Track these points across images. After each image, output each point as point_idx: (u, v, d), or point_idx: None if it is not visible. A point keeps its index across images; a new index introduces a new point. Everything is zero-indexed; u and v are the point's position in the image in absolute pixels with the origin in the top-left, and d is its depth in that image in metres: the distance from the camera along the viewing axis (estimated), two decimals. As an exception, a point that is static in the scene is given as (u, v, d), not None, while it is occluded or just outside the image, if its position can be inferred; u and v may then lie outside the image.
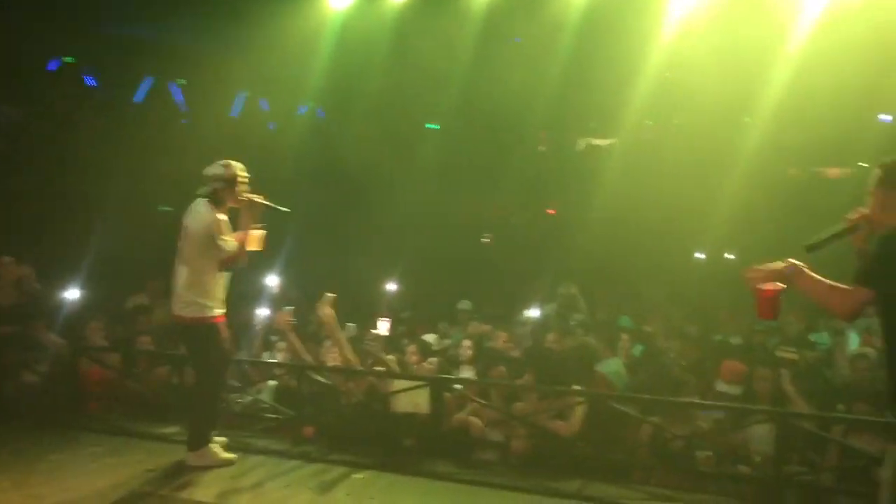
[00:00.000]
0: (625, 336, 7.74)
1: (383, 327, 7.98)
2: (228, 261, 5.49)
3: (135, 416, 7.06)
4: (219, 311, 5.57)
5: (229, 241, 5.48)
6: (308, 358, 7.06)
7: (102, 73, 13.46)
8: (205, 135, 11.82)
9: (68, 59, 13.28)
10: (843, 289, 3.13)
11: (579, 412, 5.90)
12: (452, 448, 6.21)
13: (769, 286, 3.29)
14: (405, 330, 9.15)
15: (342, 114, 15.35)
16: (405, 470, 5.83)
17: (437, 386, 6.29)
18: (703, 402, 6.09)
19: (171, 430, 6.64)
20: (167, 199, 12.91)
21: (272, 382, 7.17)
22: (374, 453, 6.15)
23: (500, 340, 8.03)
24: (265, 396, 7.09)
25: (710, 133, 14.13)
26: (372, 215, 14.69)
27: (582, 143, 19.03)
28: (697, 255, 16.61)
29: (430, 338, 8.55)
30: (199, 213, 5.47)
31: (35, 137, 11.31)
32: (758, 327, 8.63)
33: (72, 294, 8.17)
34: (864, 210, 3.31)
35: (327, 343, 7.18)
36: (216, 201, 5.50)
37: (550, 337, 7.36)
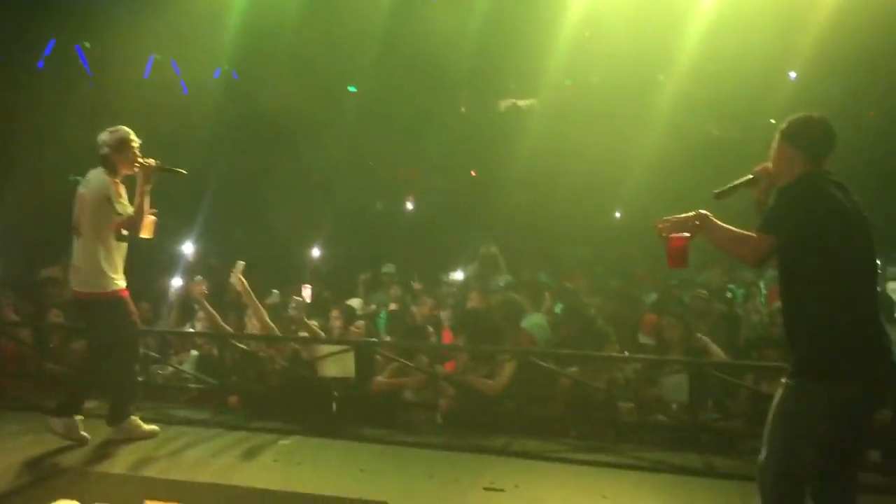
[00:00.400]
0: (547, 293, 7.84)
1: (306, 294, 7.92)
2: (125, 225, 5.27)
3: (51, 393, 6.85)
4: (121, 284, 5.34)
5: (125, 204, 5.30)
6: (226, 326, 6.94)
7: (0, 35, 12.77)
8: (114, 100, 11.39)
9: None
10: (751, 236, 3.25)
11: (507, 370, 5.97)
12: (380, 411, 6.23)
13: (678, 235, 3.40)
14: (330, 295, 9.09)
15: (257, 76, 15.01)
16: (333, 434, 5.83)
17: (363, 350, 6.28)
18: (621, 354, 6.24)
19: (89, 405, 6.47)
20: (78, 169, 12.43)
21: (194, 352, 7.05)
22: (301, 419, 6.12)
23: (426, 307, 8.02)
24: (187, 367, 6.98)
25: (627, 91, 14.34)
26: (293, 180, 14.48)
27: (503, 105, 19.10)
28: (616, 214, 16.94)
29: (354, 302, 8.52)
30: (92, 180, 5.31)
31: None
32: (672, 282, 8.88)
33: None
34: (767, 164, 3.47)
35: (249, 311, 7.08)
36: (109, 168, 5.30)
37: (472, 296, 7.41)
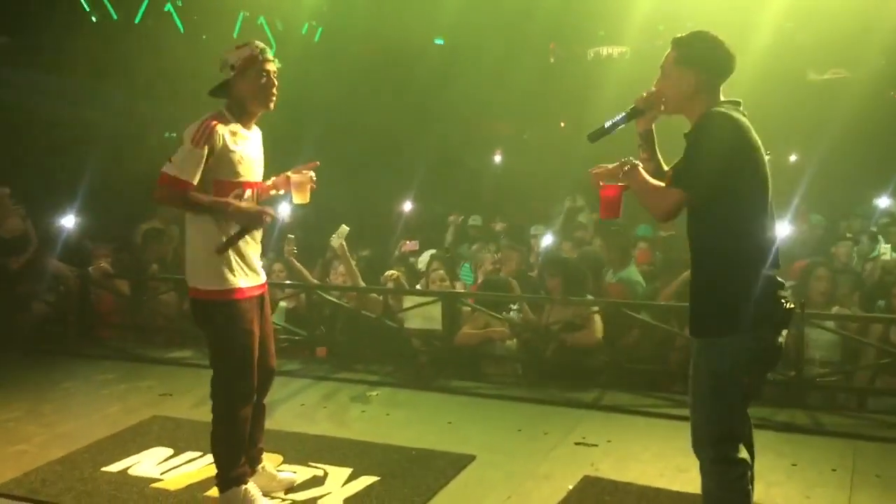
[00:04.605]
0: (642, 244, 7.57)
1: (412, 245, 7.95)
2: (162, 180, 3.48)
3: (147, 342, 7.05)
4: (238, 283, 3.62)
5: (188, 158, 3.46)
6: (313, 280, 6.96)
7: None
8: (206, 57, 11.51)
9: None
10: (661, 189, 2.93)
11: (598, 321, 5.79)
12: (467, 362, 6.15)
13: (610, 186, 3.09)
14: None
15: (344, 31, 14.99)
16: (420, 386, 5.80)
17: (449, 301, 6.19)
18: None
19: (183, 354, 6.63)
20: (171, 125, 12.72)
21: (283, 304, 7.10)
22: (388, 371, 6.12)
23: (512, 263, 7.70)
24: (276, 318, 7.02)
25: (723, 36, 13.67)
26: (381, 135, 14.46)
27: (591, 53, 18.61)
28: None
29: (426, 255, 8.38)
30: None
31: (26, 63, 11.04)
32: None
33: (68, 222, 8.00)
34: (652, 90, 3.05)
35: (337, 268, 7.02)
36: (231, 101, 3.64)
37: (564, 246, 7.21)
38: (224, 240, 3.58)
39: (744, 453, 2.95)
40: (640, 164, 3.03)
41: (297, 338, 6.71)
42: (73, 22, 11.72)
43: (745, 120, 2.91)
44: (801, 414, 4.99)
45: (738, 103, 2.98)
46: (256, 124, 3.78)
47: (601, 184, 3.11)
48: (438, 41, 17.50)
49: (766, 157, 2.96)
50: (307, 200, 3.87)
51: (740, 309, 2.85)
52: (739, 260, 2.87)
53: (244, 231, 3.62)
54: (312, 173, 3.85)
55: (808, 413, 5.00)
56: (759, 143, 2.91)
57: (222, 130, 3.52)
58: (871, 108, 13.93)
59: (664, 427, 4.85)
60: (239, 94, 3.62)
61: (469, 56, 15.71)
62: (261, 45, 3.64)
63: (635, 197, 3.05)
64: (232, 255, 3.61)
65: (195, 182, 3.47)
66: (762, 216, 2.91)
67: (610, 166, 3.08)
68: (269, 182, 3.89)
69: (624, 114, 3.11)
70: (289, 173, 3.85)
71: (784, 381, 5.22)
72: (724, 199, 2.84)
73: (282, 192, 3.91)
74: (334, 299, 6.67)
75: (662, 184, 2.98)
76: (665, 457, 4.35)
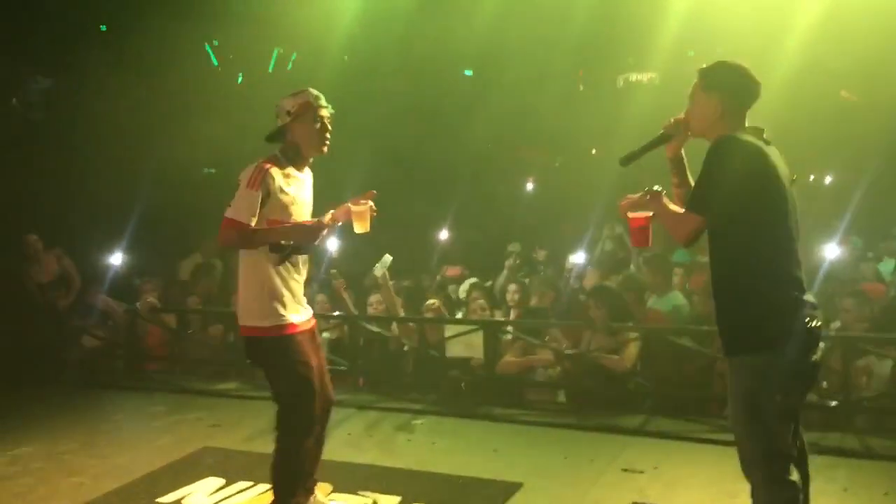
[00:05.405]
0: (678, 270, 7.56)
1: (454, 271, 8.01)
2: (224, 224, 3.57)
3: (194, 375, 7.18)
4: (290, 318, 3.72)
5: (243, 201, 3.56)
6: (355, 311, 7.05)
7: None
8: (243, 95, 11.78)
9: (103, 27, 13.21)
10: (679, 215, 3.00)
11: (633, 348, 5.81)
12: (510, 390, 6.18)
13: (637, 215, 3.16)
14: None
15: (374, 66, 15.19)
16: (464, 414, 5.83)
17: (491, 330, 6.23)
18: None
19: (230, 385, 6.74)
20: (210, 161, 12.99)
21: (326, 335, 7.18)
22: (432, 399, 6.16)
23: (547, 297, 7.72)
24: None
25: (752, 60, 13.63)
26: (415, 165, 14.59)
27: (621, 80, 18.66)
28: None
29: (466, 284, 8.43)
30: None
31: (69, 105, 11.38)
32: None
33: (116, 259, 8.20)
34: (680, 116, 3.14)
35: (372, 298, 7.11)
36: (285, 146, 3.77)
37: (589, 273, 7.26)
38: (279, 255, 3.67)
39: (795, 475, 2.93)
40: (663, 191, 3.10)
41: (341, 368, 6.78)
42: (116, 63, 12.02)
43: (760, 144, 2.95)
44: (850, 438, 4.95)
45: (760, 130, 3.04)
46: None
47: (629, 215, 3.20)
48: (467, 72, 17.66)
49: (794, 179, 3.03)
50: (368, 229, 3.91)
51: (762, 328, 2.88)
52: (758, 280, 2.91)
53: (299, 246, 3.73)
54: (371, 202, 3.92)
55: (858, 437, 4.97)
56: (778, 166, 2.96)
57: (276, 173, 3.64)
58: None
59: (712, 452, 4.82)
60: (294, 139, 3.74)
61: (499, 86, 15.83)
62: (315, 92, 3.76)
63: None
64: (283, 290, 3.69)
65: (253, 223, 3.57)
66: (782, 238, 2.95)
67: (635, 196, 3.15)
68: (328, 215, 3.95)
69: (653, 139, 3.21)
70: (348, 203, 3.93)
71: (831, 406, 5.19)
72: (740, 221, 2.90)
73: (339, 223, 4.00)
74: (374, 328, 6.75)
75: (683, 210, 3.05)
76: (715, 482, 4.33)
